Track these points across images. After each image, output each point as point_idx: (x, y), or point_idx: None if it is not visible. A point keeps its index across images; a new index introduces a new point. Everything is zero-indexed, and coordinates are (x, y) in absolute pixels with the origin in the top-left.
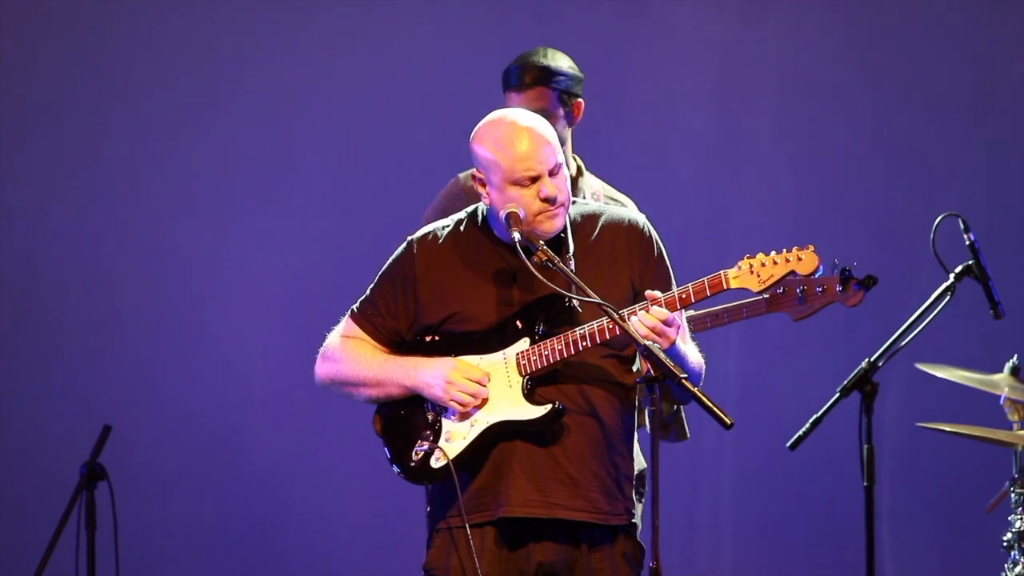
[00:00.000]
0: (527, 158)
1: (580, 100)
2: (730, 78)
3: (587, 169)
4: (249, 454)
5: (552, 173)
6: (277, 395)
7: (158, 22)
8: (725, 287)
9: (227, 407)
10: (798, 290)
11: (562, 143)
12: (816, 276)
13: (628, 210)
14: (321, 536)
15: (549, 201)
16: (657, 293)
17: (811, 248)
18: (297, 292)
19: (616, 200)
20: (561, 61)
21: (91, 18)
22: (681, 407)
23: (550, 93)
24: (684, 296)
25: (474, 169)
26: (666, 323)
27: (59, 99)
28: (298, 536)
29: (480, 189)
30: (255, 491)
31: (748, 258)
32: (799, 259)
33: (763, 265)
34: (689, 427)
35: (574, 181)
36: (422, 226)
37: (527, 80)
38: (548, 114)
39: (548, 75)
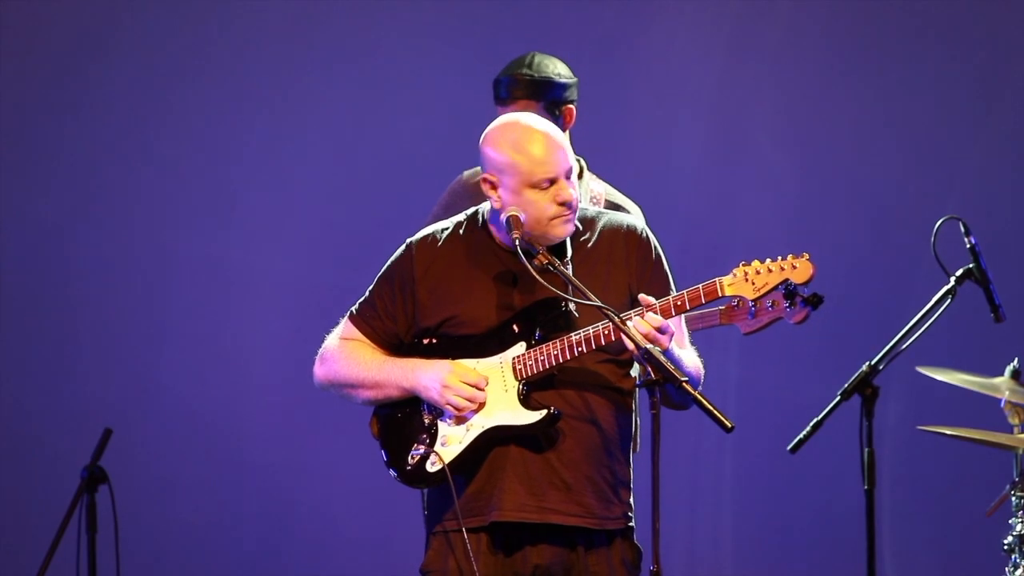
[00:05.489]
0: (546, 161)
1: (571, 106)
2: (731, 78)
3: (589, 170)
4: (250, 457)
5: (567, 176)
6: (278, 398)
7: (158, 22)
8: (720, 294)
9: (228, 410)
10: (751, 304)
11: None
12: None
13: (627, 216)
14: (322, 539)
15: (566, 205)
16: (651, 299)
17: (806, 256)
18: (298, 294)
19: (619, 204)
20: (548, 69)
21: (91, 20)
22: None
23: (535, 106)
24: (679, 303)
25: (480, 171)
26: (660, 330)
27: (58, 100)
28: (298, 539)
29: (490, 192)
30: (255, 494)
31: (743, 265)
32: (793, 267)
33: (758, 273)
34: (640, 439)
35: None
36: (427, 224)
37: (514, 94)
38: None
39: (533, 88)
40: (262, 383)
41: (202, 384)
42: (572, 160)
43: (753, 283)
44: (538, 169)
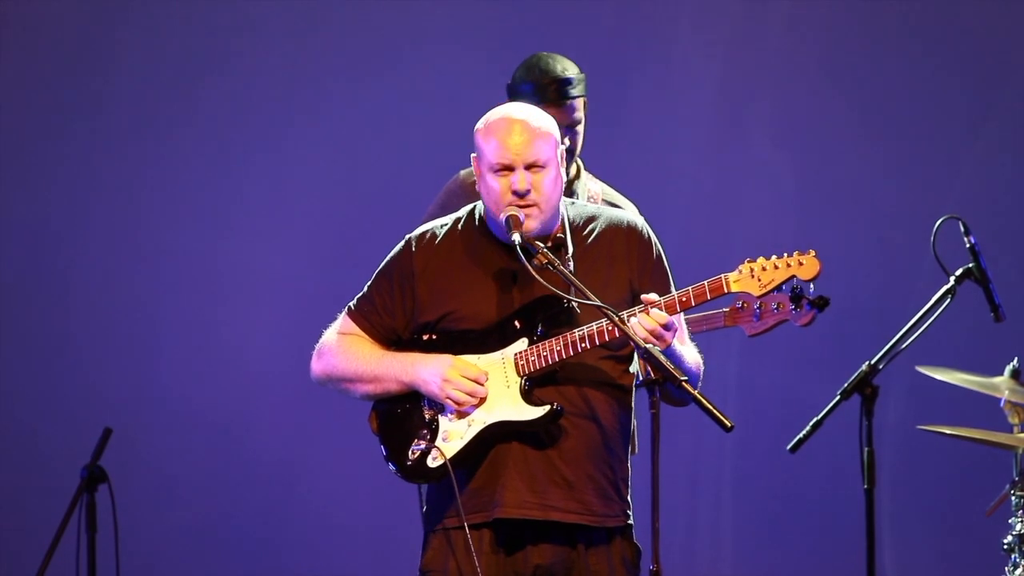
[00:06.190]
0: (505, 147)
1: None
2: (731, 78)
3: (586, 170)
4: (249, 456)
5: (532, 167)
6: (278, 397)
7: (157, 23)
8: (726, 291)
9: (227, 409)
10: (755, 307)
11: (575, 148)
12: (776, 293)
13: (627, 213)
14: (322, 538)
15: (517, 195)
16: (655, 296)
17: (812, 253)
18: (299, 292)
19: (616, 204)
20: (572, 65)
21: (90, 20)
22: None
23: (584, 101)
24: (684, 299)
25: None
26: (665, 326)
27: (59, 101)
28: (298, 539)
29: (476, 174)
30: (255, 494)
31: (749, 262)
32: (800, 264)
33: (764, 269)
34: (640, 439)
35: (570, 183)
36: (424, 223)
37: (572, 93)
38: (578, 122)
39: (583, 85)
40: (262, 382)
41: (202, 384)
42: (546, 154)
43: (759, 280)
44: (496, 154)
